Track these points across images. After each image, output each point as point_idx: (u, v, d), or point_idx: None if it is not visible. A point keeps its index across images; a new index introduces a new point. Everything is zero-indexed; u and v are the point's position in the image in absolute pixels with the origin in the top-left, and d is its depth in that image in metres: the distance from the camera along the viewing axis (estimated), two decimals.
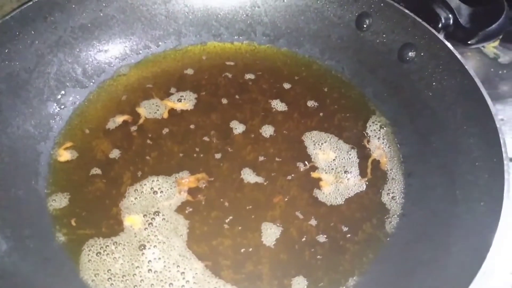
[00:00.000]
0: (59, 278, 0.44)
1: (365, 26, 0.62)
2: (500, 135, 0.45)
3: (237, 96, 0.62)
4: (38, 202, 0.49)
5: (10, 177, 0.49)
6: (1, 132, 0.51)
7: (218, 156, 0.55)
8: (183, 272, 0.44)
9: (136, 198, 0.49)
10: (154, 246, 0.46)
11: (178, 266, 0.45)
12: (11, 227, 0.45)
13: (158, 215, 0.48)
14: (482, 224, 0.41)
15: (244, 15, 0.68)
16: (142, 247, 0.46)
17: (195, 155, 0.55)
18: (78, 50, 0.60)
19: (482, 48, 0.74)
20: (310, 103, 0.61)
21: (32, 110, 0.55)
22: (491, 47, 0.75)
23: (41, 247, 0.46)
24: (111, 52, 0.63)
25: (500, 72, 0.72)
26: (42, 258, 0.44)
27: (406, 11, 0.58)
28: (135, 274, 0.44)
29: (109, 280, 0.44)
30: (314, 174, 0.53)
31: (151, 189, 0.50)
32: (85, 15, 0.60)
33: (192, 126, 0.58)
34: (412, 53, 0.58)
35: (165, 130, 0.57)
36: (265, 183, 0.53)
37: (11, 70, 0.54)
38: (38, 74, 0.56)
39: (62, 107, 0.58)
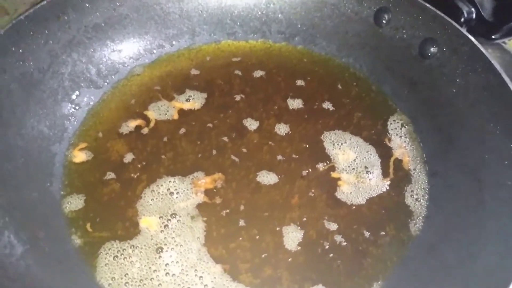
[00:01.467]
0: (75, 282, 0.43)
1: (384, 21, 0.61)
2: None
3: (251, 95, 0.61)
4: (53, 204, 0.49)
5: (25, 179, 0.49)
6: (15, 133, 0.50)
7: (233, 155, 0.54)
8: (201, 276, 0.43)
9: (153, 199, 0.48)
10: (172, 249, 0.45)
11: (196, 270, 0.44)
12: (26, 230, 0.45)
13: (174, 217, 0.47)
14: (510, 227, 0.39)
15: (259, 13, 0.67)
16: (160, 250, 0.45)
17: (209, 155, 0.53)
18: (92, 50, 0.60)
19: (503, 44, 0.71)
20: (328, 102, 0.60)
21: (46, 110, 0.54)
22: None
23: (57, 250, 0.45)
24: (125, 52, 0.63)
25: None
26: (57, 261, 0.44)
27: (427, 5, 0.56)
28: (152, 278, 0.43)
29: (126, 284, 0.43)
30: (334, 174, 0.52)
31: (167, 190, 0.49)
32: (99, 14, 0.60)
33: (209, 125, 0.57)
34: (434, 48, 0.56)
35: (181, 131, 0.56)
36: (282, 184, 0.51)
37: (25, 70, 0.53)
38: (52, 74, 0.56)
39: (77, 107, 0.57)
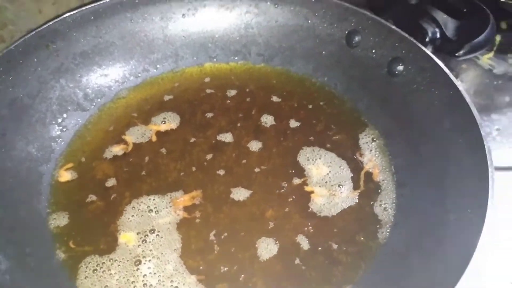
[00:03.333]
0: None
1: (354, 42, 0.64)
2: (485, 143, 0.45)
3: (227, 113, 0.64)
4: (39, 221, 0.51)
5: (14, 198, 0.51)
6: (5, 155, 0.53)
7: (210, 172, 0.56)
8: (177, 287, 0.45)
9: (133, 215, 0.51)
10: (149, 261, 0.47)
11: (172, 280, 0.46)
12: (13, 246, 0.47)
13: (153, 232, 0.49)
14: (468, 230, 0.42)
15: (239, 37, 0.71)
16: (138, 263, 0.47)
17: (186, 173, 0.56)
18: (79, 75, 0.63)
19: (476, 60, 0.75)
20: (304, 119, 0.63)
21: (35, 133, 0.57)
22: (485, 59, 0.76)
23: (41, 264, 0.47)
24: (111, 76, 0.66)
25: (495, 83, 0.73)
26: (41, 275, 0.46)
27: (393, 27, 0.60)
28: None
29: None
30: (308, 188, 0.54)
31: (147, 207, 0.51)
32: (86, 42, 0.63)
33: (185, 144, 0.60)
34: (400, 66, 0.59)
35: (161, 150, 0.59)
36: (258, 198, 0.54)
37: (15, 96, 0.56)
38: (40, 100, 0.59)
39: (64, 129, 0.60)
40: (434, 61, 0.55)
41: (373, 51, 0.63)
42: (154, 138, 0.60)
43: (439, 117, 0.53)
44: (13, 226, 0.49)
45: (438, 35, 0.64)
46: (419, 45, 0.57)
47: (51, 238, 0.50)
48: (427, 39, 0.63)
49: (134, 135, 0.60)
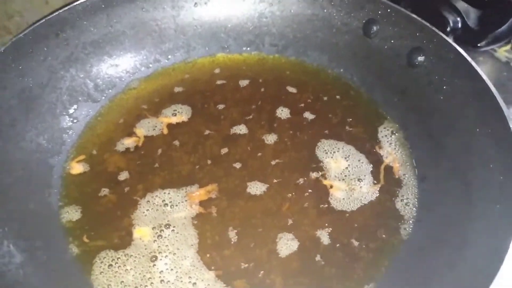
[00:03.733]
0: None
1: (372, 32, 0.62)
2: None
3: (241, 104, 0.62)
4: (51, 215, 0.50)
5: (24, 191, 0.50)
6: (15, 146, 0.52)
7: (225, 165, 0.55)
8: (195, 283, 0.44)
9: (148, 210, 0.49)
10: (166, 257, 0.46)
11: (189, 276, 0.44)
12: (25, 240, 0.46)
13: (168, 227, 0.48)
14: (498, 226, 0.40)
15: (252, 27, 0.69)
16: (154, 258, 0.46)
17: (200, 166, 0.54)
18: (89, 65, 0.62)
19: (493, 52, 0.73)
20: (319, 111, 0.61)
21: (45, 124, 0.56)
22: (503, 51, 0.74)
23: (54, 259, 0.46)
24: (122, 67, 0.64)
25: None
26: (54, 270, 0.45)
27: (414, 15, 0.58)
28: (146, 286, 0.44)
29: None
30: (326, 182, 0.53)
31: (162, 201, 0.50)
32: (96, 31, 0.62)
33: (198, 137, 0.58)
34: (421, 57, 0.57)
35: (174, 143, 0.57)
36: (275, 192, 0.52)
37: (24, 86, 0.55)
38: (50, 89, 0.57)
39: (75, 121, 0.59)
40: (458, 51, 0.53)
41: (392, 41, 0.61)
42: (165, 131, 0.59)
43: (462, 109, 0.52)
44: (23, 219, 0.48)
45: (459, 25, 0.62)
46: (441, 34, 0.55)
47: (63, 232, 0.48)
48: (448, 29, 0.61)
49: (145, 128, 0.59)
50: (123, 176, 0.53)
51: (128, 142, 0.57)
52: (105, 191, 0.52)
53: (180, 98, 0.63)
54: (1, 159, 0.50)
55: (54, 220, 0.49)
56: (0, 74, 0.52)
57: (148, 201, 0.50)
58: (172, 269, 0.45)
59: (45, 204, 0.50)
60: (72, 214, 0.50)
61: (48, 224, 0.49)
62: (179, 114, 0.61)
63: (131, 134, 0.58)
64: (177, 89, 0.64)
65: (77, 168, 0.54)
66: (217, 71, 0.67)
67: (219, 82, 0.66)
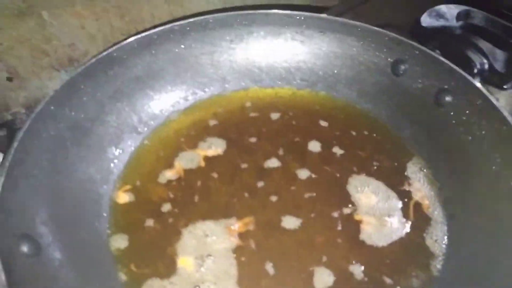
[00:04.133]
0: None
1: (400, 71, 0.65)
2: None
3: (276, 137, 0.66)
4: (100, 243, 0.53)
5: (75, 219, 0.53)
6: (67, 178, 0.56)
7: (261, 198, 0.58)
8: None
9: (190, 240, 0.53)
10: (208, 287, 0.49)
11: None
12: (76, 268, 0.49)
13: (209, 257, 0.51)
14: None
15: (285, 63, 0.73)
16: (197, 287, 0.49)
17: (238, 199, 0.57)
18: (134, 99, 0.66)
19: None
20: (348, 146, 0.64)
21: (94, 155, 0.60)
22: None
23: (105, 286, 0.49)
24: (163, 100, 0.69)
25: None
26: None
27: (441, 58, 0.61)
28: None
29: None
30: (357, 217, 0.55)
31: (203, 232, 0.53)
32: (140, 67, 0.66)
33: (234, 169, 0.61)
34: (448, 98, 0.60)
35: (211, 175, 0.61)
36: (308, 226, 0.55)
37: (76, 120, 0.59)
38: (99, 123, 0.61)
39: (121, 152, 0.63)
40: (485, 95, 0.55)
41: (419, 80, 0.64)
42: (202, 163, 0.62)
43: (490, 151, 0.54)
44: (75, 246, 0.51)
45: (486, 67, 0.64)
46: (469, 77, 0.58)
47: (112, 260, 0.52)
48: (475, 71, 0.64)
49: (184, 160, 0.62)
50: (166, 207, 0.57)
51: (169, 175, 0.61)
52: (149, 222, 0.55)
53: (215, 131, 0.67)
54: (55, 190, 0.53)
55: (103, 248, 0.53)
56: (56, 110, 0.57)
57: (190, 231, 0.54)
58: None
59: (95, 232, 0.54)
60: (120, 242, 0.53)
61: (98, 252, 0.52)
62: (215, 147, 0.64)
63: (171, 166, 0.62)
64: (212, 122, 0.68)
65: (123, 197, 0.58)
66: (249, 104, 0.71)
67: (252, 114, 0.69)
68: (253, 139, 0.66)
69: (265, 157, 0.63)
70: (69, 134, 0.58)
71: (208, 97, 0.72)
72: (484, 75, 0.65)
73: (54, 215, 0.52)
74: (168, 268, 0.51)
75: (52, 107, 0.56)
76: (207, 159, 0.63)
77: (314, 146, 0.64)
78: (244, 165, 0.62)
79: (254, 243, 0.53)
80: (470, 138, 0.57)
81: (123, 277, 0.50)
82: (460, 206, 0.55)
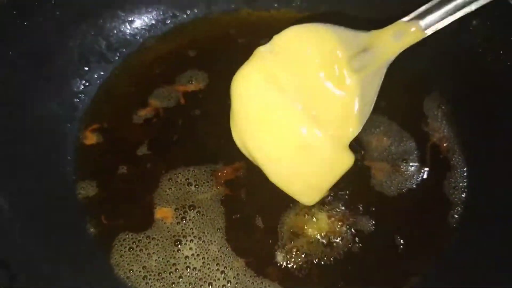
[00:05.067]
0: (92, 273, 0.41)
1: None
2: None
3: None
4: (66, 189, 0.46)
5: (36, 162, 0.46)
6: (24, 113, 0.47)
7: None
8: (223, 271, 0.41)
9: (170, 188, 0.45)
10: (191, 241, 0.42)
11: (217, 264, 0.41)
12: (40, 217, 0.42)
13: (193, 209, 0.44)
14: None
15: None
16: (178, 242, 0.42)
17: (224, 141, 0.49)
18: (101, 20, 0.56)
19: None
20: None
21: (55, 88, 0.51)
22: None
23: (72, 239, 0.42)
24: (137, 23, 0.58)
25: None
26: (72, 252, 0.42)
27: None
28: (171, 272, 0.40)
29: (145, 278, 0.40)
30: (367, 163, 0.48)
31: (186, 180, 0.46)
32: None
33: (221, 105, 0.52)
34: (475, 21, 0.50)
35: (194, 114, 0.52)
36: None
37: (32, 45, 0.49)
38: (60, 49, 0.52)
39: (87, 84, 0.53)
40: None
41: None
42: (182, 100, 0.53)
43: None
44: (38, 193, 0.44)
45: None
46: None
47: (80, 210, 0.44)
48: None
49: (160, 98, 0.53)
50: (141, 151, 0.48)
51: (144, 113, 0.51)
52: (122, 164, 0.47)
53: (196, 62, 0.57)
54: (10, 126, 0.45)
55: (69, 195, 0.45)
56: (3, 32, 0.46)
57: (170, 178, 0.46)
58: (198, 255, 0.41)
59: (59, 177, 0.46)
60: (88, 189, 0.46)
61: (64, 200, 0.45)
62: (196, 81, 0.55)
63: (145, 104, 0.52)
64: (193, 52, 0.58)
65: (91, 137, 0.49)
66: (236, 30, 0.60)
67: (239, 41, 0.59)
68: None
69: None
70: (23, 61, 0.48)
71: (191, 21, 0.61)
72: None
73: (9, 157, 0.44)
74: (144, 220, 0.43)
75: None
76: (187, 95, 0.54)
77: None
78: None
79: (245, 192, 0.46)
80: (498, 68, 0.48)
81: (91, 229, 0.43)
82: (483, 149, 0.47)
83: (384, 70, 0.40)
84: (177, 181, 0.46)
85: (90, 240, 0.43)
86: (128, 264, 0.41)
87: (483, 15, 0.49)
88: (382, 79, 0.40)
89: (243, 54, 0.56)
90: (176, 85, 0.54)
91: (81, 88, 0.53)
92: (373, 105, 0.40)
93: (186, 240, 0.42)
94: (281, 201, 0.45)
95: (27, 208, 0.42)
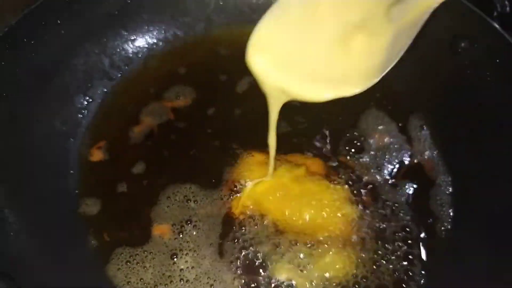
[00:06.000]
0: (90, 285, 0.43)
1: None
2: None
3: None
4: (68, 204, 0.48)
5: (38, 177, 0.48)
6: (28, 129, 0.49)
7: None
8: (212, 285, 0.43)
9: (169, 206, 0.47)
10: (186, 254, 0.44)
11: (208, 277, 0.43)
12: (42, 231, 0.44)
13: (190, 223, 0.46)
14: None
15: None
16: (174, 256, 0.44)
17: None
18: (105, 39, 0.58)
19: None
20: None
21: (59, 104, 0.53)
22: None
23: (72, 251, 0.44)
24: (139, 41, 0.61)
25: None
26: (72, 265, 0.43)
27: None
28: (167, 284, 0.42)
29: None
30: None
31: (184, 197, 0.48)
32: (112, 2, 0.57)
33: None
34: (464, 44, 0.52)
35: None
36: None
37: (37, 63, 0.51)
38: (65, 67, 0.54)
39: (90, 100, 0.56)
40: (506, 39, 0.48)
41: (432, 24, 0.56)
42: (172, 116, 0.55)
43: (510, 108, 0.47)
44: (40, 208, 0.46)
45: (507, 9, 0.56)
46: (489, 20, 0.50)
47: (81, 224, 0.46)
48: (495, 13, 0.56)
49: (154, 114, 0.55)
50: (141, 169, 0.51)
51: (140, 130, 0.54)
52: (124, 181, 0.49)
53: (186, 78, 0.59)
54: (14, 143, 0.47)
55: (71, 210, 0.47)
56: (12, 50, 0.49)
57: (169, 196, 0.48)
58: (193, 267, 0.43)
59: (62, 192, 0.48)
60: (90, 204, 0.48)
61: (65, 215, 0.47)
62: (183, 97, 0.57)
63: (142, 121, 0.54)
64: (183, 70, 0.60)
65: (96, 155, 0.51)
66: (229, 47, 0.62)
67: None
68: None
69: None
70: (29, 80, 0.50)
71: (192, 39, 0.63)
72: (503, 18, 0.56)
73: (14, 172, 0.46)
74: (143, 234, 0.45)
75: (7, 47, 0.48)
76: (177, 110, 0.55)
77: None
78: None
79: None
80: (485, 90, 0.50)
81: (91, 243, 0.45)
82: (468, 169, 0.49)
83: (421, 22, 0.40)
84: (176, 199, 0.47)
85: (90, 253, 0.45)
86: (125, 276, 0.43)
87: (472, 38, 0.52)
88: (418, 31, 0.40)
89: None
90: (166, 101, 0.56)
91: (84, 104, 0.55)
92: (400, 55, 0.40)
93: (182, 254, 0.44)
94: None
95: (31, 221, 0.44)
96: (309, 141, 0.53)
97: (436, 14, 0.54)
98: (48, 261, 0.42)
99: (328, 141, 0.53)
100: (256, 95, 0.40)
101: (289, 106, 0.40)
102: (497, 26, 0.49)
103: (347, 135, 0.53)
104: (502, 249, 0.41)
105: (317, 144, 0.53)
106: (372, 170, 0.50)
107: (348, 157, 0.51)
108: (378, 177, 0.50)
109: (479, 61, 0.51)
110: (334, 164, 0.51)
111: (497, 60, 0.49)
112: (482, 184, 0.48)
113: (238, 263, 0.43)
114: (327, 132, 0.53)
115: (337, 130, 0.54)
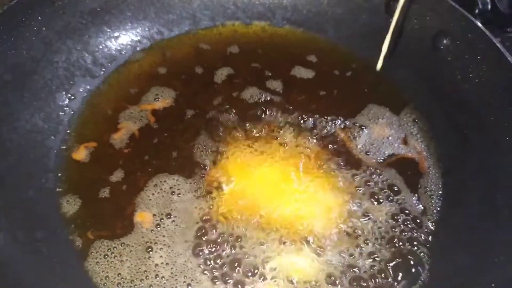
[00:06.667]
0: (71, 281, 0.42)
1: (394, 10, 0.57)
2: None
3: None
4: (50, 202, 0.47)
5: (19, 175, 0.47)
6: (9, 127, 0.49)
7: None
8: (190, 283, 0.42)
9: (154, 194, 0.47)
10: (161, 249, 0.43)
11: (185, 276, 0.42)
12: (23, 230, 0.43)
13: (169, 217, 0.45)
14: None
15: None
16: (149, 249, 0.44)
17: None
18: (87, 36, 0.57)
19: None
20: (335, 93, 0.57)
21: (40, 102, 0.52)
22: None
23: (54, 250, 0.43)
24: (122, 39, 0.60)
25: None
26: (54, 262, 0.42)
27: None
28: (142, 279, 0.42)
29: (119, 285, 0.42)
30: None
31: (169, 188, 0.48)
32: None
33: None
34: (446, 41, 0.53)
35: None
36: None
37: (18, 60, 0.51)
38: (46, 64, 0.53)
39: (72, 98, 0.55)
40: (488, 36, 0.48)
41: (415, 21, 0.56)
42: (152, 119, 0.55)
43: (490, 101, 0.48)
44: (21, 207, 0.45)
45: (488, 7, 0.56)
46: (471, 17, 0.50)
47: (63, 222, 0.46)
48: (477, 11, 0.56)
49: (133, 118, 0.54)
50: (127, 168, 0.50)
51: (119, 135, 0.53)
52: (107, 180, 0.49)
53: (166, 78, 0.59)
54: None
55: (53, 208, 0.46)
56: None
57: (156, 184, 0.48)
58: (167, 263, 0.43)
59: (43, 190, 0.47)
60: (71, 201, 0.47)
61: (47, 213, 0.46)
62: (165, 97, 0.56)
63: (119, 123, 0.54)
64: (163, 69, 0.59)
65: (80, 153, 0.51)
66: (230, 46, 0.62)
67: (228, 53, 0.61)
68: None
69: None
70: (9, 76, 0.50)
71: (175, 37, 0.63)
72: (486, 16, 0.57)
73: None
74: (125, 228, 0.45)
75: None
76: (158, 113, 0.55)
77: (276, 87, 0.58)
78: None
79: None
80: (468, 86, 0.50)
81: (70, 238, 0.44)
82: (457, 161, 0.49)
83: None
84: (159, 190, 0.47)
85: (69, 248, 0.44)
86: (103, 271, 0.42)
87: (454, 35, 0.52)
88: None
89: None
90: (147, 103, 0.55)
91: (66, 102, 0.54)
92: None
93: (157, 248, 0.43)
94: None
95: (12, 217, 0.43)
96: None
97: (419, 12, 0.55)
98: (27, 257, 0.41)
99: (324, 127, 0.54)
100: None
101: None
102: (478, 23, 0.49)
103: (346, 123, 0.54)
104: (488, 243, 0.41)
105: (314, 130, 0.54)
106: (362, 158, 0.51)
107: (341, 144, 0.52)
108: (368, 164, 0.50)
109: (461, 58, 0.51)
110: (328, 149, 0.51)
111: (478, 57, 0.49)
112: (471, 178, 0.48)
113: (212, 262, 0.43)
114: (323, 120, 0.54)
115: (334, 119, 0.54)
